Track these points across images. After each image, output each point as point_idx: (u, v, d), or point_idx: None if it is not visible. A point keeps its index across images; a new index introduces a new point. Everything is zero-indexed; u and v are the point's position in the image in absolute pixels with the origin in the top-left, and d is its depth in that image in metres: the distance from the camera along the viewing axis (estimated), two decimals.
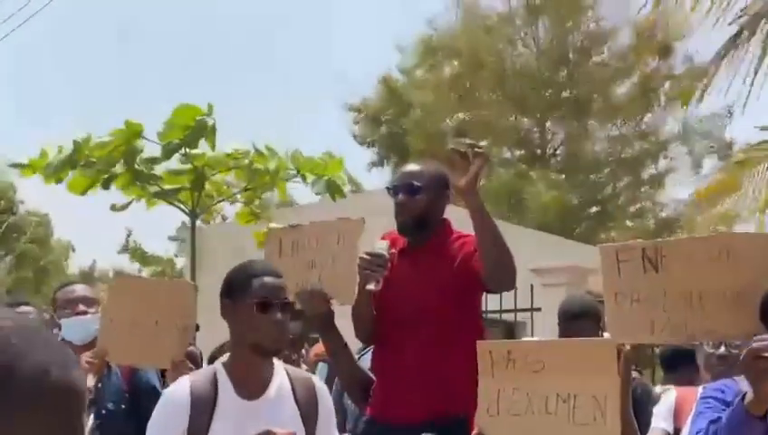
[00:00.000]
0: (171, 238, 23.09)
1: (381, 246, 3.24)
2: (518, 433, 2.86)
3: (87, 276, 28.86)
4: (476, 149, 3.11)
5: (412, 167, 3.54)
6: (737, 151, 17.17)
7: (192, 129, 8.15)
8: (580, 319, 3.90)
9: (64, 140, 8.38)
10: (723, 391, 2.70)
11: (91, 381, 3.39)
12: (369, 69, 47.29)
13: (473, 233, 3.34)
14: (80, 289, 3.77)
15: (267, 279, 2.58)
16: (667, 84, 25.81)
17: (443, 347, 3.26)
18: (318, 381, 2.80)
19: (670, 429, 3.32)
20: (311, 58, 52.01)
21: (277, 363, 2.70)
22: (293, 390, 2.66)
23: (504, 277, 3.25)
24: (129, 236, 13.48)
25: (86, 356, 3.41)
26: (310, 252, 3.44)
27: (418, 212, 3.37)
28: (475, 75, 26.08)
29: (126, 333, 3.48)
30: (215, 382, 2.57)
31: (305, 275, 3.39)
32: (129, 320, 3.50)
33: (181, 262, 10.87)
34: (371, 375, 3.52)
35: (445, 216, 3.53)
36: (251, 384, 2.58)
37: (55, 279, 26.99)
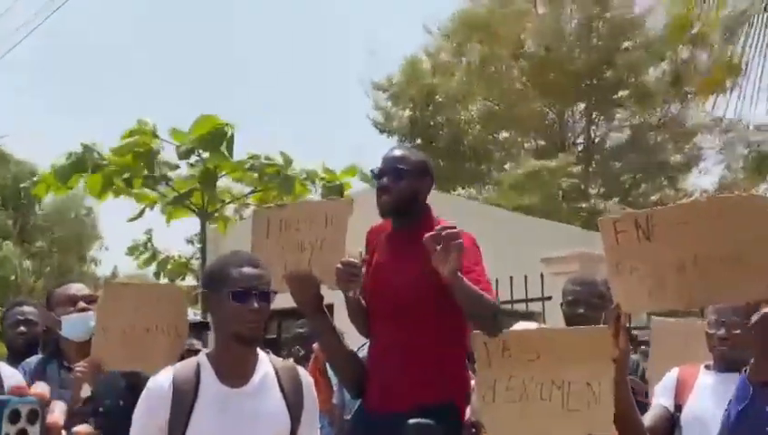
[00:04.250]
0: (188, 241, 23.16)
1: (353, 254, 3.22)
2: (514, 419, 2.91)
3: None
4: (454, 241, 2.96)
5: (397, 151, 3.49)
6: None
7: (211, 136, 8.35)
8: (577, 292, 3.91)
9: (73, 146, 8.61)
10: None
11: (86, 391, 3.44)
12: (398, 50, 46.70)
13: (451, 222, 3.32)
14: (80, 288, 3.77)
15: (245, 269, 2.57)
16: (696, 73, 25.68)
17: (425, 335, 3.24)
18: (303, 372, 2.81)
19: (671, 406, 3.30)
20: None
21: (262, 354, 2.71)
22: (279, 379, 2.68)
23: (485, 328, 3.08)
24: (149, 239, 13.37)
25: (79, 366, 3.45)
26: (298, 233, 3.40)
27: (401, 197, 3.34)
28: (498, 60, 26.09)
29: (118, 340, 3.49)
30: (197, 371, 2.61)
31: (295, 256, 3.36)
32: (120, 326, 3.49)
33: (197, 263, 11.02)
34: (362, 360, 3.53)
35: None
36: (234, 373, 2.61)
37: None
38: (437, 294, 3.19)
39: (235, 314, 2.54)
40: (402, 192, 3.34)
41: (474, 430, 2.95)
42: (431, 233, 2.97)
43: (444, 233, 2.95)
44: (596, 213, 23.38)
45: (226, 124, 8.58)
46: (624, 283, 2.88)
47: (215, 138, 8.48)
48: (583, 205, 23.99)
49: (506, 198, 23.06)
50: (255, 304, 2.55)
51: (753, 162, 21.24)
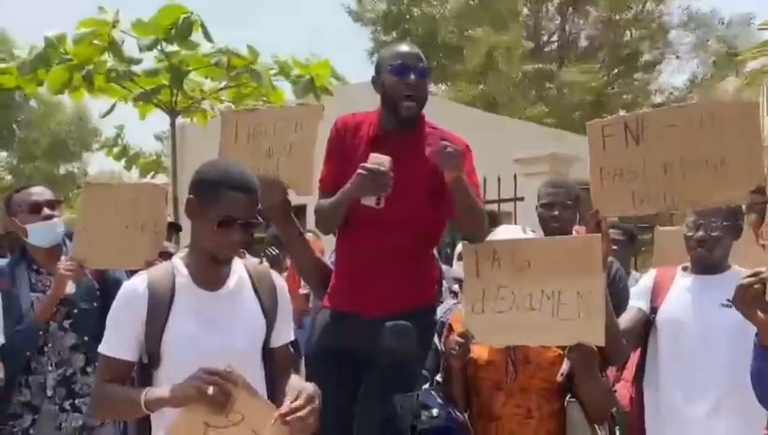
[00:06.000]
0: (157, 137, 22.79)
1: (382, 162, 2.95)
2: (503, 330, 2.92)
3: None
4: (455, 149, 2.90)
5: (415, 49, 3.25)
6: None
7: (177, 27, 8.05)
8: (552, 194, 3.93)
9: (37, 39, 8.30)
10: None
11: (70, 287, 3.53)
12: None
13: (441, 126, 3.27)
14: (42, 192, 3.68)
15: (238, 195, 2.45)
16: None
17: (416, 240, 3.20)
18: (276, 276, 2.78)
19: (646, 307, 3.34)
20: None
21: (235, 259, 2.67)
22: (253, 282, 2.66)
23: (472, 233, 3.10)
24: (119, 134, 13.12)
25: (63, 264, 3.49)
26: (267, 138, 3.31)
27: (425, 97, 3.19)
28: None
29: (99, 239, 3.56)
30: (172, 275, 2.57)
31: (262, 162, 3.27)
32: (101, 226, 3.57)
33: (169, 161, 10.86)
34: (329, 265, 3.51)
35: None
36: (209, 277, 2.57)
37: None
38: (431, 201, 3.17)
39: (214, 239, 2.48)
40: (426, 92, 3.20)
41: (463, 340, 2.93)
42: (437, 147, 2.88)
43: (444, 144, 2.88)
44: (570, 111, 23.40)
45: (192, 13, 8.20)
46: (607, 188, 2.88)
47: (180, 28, 8.15)
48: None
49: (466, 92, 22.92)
50: (237, 235, 2.49)
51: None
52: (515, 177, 8.24)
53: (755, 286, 2.26)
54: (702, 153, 2.72)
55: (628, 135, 2.85)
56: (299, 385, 2.48)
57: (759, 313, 2.25)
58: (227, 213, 2.45)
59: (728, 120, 2.71)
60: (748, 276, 2.29)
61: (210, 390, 2.25)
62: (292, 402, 2.36)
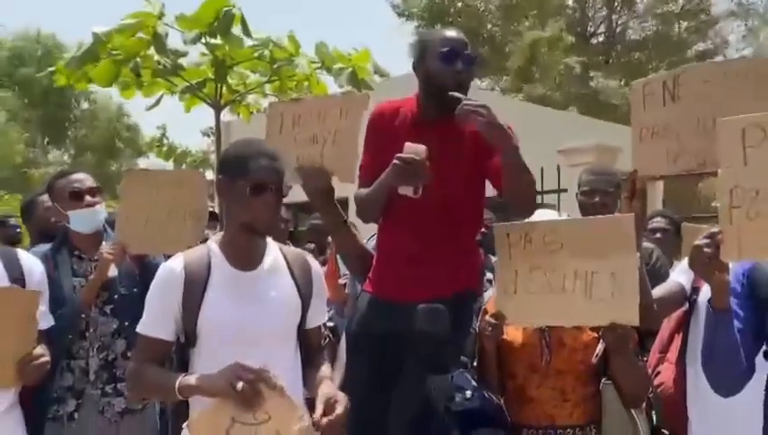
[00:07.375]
0: (204, 133, 23.07)
1: (418, 152, 2.95)
2: (535, 311, 2.91)
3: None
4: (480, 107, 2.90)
5: (460, 33, 3.20)
6: None
7: (219, 21, 8.08)
8: (593, 181, 3.88)
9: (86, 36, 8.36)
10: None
11: (113, 271, 3.61)
12: None
13: None
14: (84, 179, 3.72)
15: (264, 161, 2.53)
16: None
17: (455, 227, 3.20)
18: (311, 259, 2.82)
19: (688, 285, 3.26)
20: None
21: (270, 240, 2.73)
22: (288, 263, 2.71)
23: (523, 208, 3.11)
24: (163, 133, 13.30)
25: (106, 249, 3.59)
26: (312, 127, 3.36)
27: (469, 85, 3.15)
28: None
29: (142, 225, 3.66)
30: (208, 256, 2.62)
31: (307, 149, 3.33)
32: (143, 212, 3.67)
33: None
34: (372, 251, 3.51)
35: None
36: (245, 258, 2.62)
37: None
38: (473, 187, 3.19)
39: (250, 207, 2.53)
40: (471, 80, 3.18)
41: (496, 320, 2.93)
42: (462, 109, 2.89)
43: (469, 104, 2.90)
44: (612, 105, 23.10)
45: (233, 6, 8.24)
46: (645, 148, 2.89)
47: (221, 22, 8.19)
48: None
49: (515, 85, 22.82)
50: (272, 198, 2.54)
51: None
52: (558, 168, 8.17)
53: (709, 248, 2.25)
54: (736, 110, 2.60)
55: (666, 93, 2.85)
56: (332, 392, 2.52)
57: (716, 274, 2.27)
58: (258, 179, 2.52)
59: (764, 76, 2.65)
60: (703, 238, 2.28)
61: (240, 385, 2.30)
62: (326, 414, 2.41)
